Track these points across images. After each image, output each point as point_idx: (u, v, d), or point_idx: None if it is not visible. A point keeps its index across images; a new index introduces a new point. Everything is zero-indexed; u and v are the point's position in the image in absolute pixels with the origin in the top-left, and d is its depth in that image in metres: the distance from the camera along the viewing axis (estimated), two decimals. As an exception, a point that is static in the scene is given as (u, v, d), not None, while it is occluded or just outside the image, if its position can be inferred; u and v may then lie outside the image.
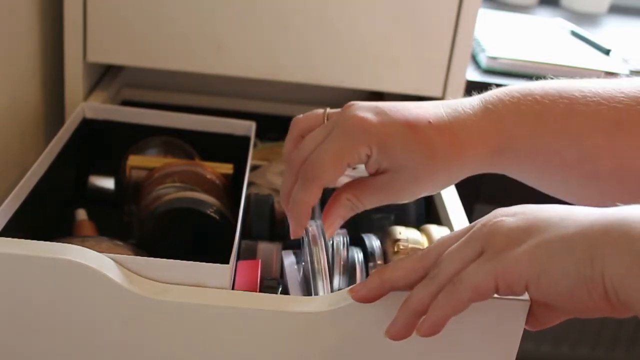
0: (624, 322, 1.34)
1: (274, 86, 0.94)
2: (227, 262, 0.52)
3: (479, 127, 0.52)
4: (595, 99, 0.51)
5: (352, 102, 0.53)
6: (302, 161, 0.52)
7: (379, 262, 0.62)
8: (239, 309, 0.49)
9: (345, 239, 0.62)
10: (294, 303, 0.50)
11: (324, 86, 0.89)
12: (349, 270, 0.61)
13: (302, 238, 0.56)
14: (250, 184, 0.76)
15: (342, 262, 0.61)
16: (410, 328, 0.44)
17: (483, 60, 1.07)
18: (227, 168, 0.76)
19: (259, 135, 0.87)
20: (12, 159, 0.77)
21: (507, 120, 0.52)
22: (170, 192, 0.68)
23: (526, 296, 0.46)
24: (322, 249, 0.54)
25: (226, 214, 0.66)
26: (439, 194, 0.73)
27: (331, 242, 0.62)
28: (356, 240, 0.65)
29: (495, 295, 0.42)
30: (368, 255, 0.63)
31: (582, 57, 1.11)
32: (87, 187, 0.80)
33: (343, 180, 0.54)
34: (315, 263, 0.54)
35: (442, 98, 0.90)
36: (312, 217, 0.54)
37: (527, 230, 0.41)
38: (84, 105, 0.79)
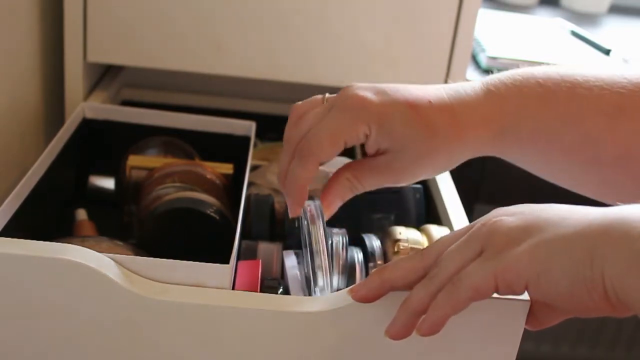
0: (624, 322, 1.34)
1: (274, 86, 0.94)
2: (227, 262, 0.52)
3: (480, 108, 0.51)
4: (598, 84, 0.50)
5: (352, 83, 0.53)
6: (299, 139, 0.52)
7: (379, 262, 0.62)
8: (239, 309, 0.49)
9: (344, 239, 0.62)
10: (294, 303, 0.50)
11: (324, 86, 0.88)
12: (349, 270, 0.61)
13: (301, 220, 0.55)
14: (250, 184, 0.76)
15: (341, 262, 0.61)
16: (410, 328, 0.44)
17: (483, 60, 1.07)
18: (227, 168, 0.76)
19: (259, 135, 0.87)
20: (12, 159, 0.77)
21: (509, 102, 0.51)
22: (170, 192, 0.68)
23: (526, 296, 0.46)
24: (320, 228, 0.53)
25: (226, 214, 0.66)
26: (439, 194, 0.73)
27: (331, 242, 0.62)
28: (356, 240, 0.65)
29: (495, 295, 0.42)
30: (368, 255, 0.63)
31: (582, 57, 1.11)
32: (87, 187, 0.80)
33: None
34: (314, 243, 0.53)
35: (442, 98, 0.89)
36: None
37: (527, 230, 0.41)
38: (84, 105, 0.79)
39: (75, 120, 0.76)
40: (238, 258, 0.61)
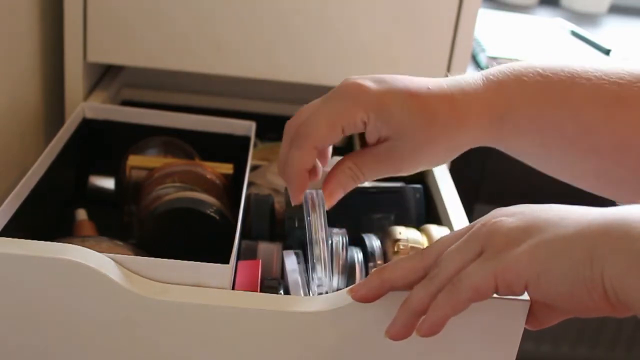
0: (624, 322, 1.34)
1: (274, 86, 0.94)
2: (227, 262, 0.52)
3: (480, 95, 0.51)
4: (597, 74, 0.50)
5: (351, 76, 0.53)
6: (297, 127, 0.52)
7: (379, 262, 0.62)
8: (239, 309, 0.49)
9: (344, 239, 0.62)
10: (294, 303, 0.50)
11: (324, 86, 0.88)
12: (349, 270, 0.61)
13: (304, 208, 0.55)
14: (250, 184, 0.76)
15: (341, 262, 0.61)
16: (410, 328, 0.44)
17: (483, 60, 1.07)
18: (227, 168, 0.76)
19: (259, 135, 0.87)
20: (12, 159, 0.77)
21: (508, 90, 0.51)
22: (170, 192, 0.68)
23: (526, 296, 0.46)
24: (320, 217, 0.53)
25: (226, 214, 0.66)
26: (439, 194, 0.73)
27: (330, 241, 0.62)
28: (356, 240, 0.65)
29: (495, 295, 0.42)
30: (368, 255, 0.63)
31: (582, 57, 1.11)
32: (87, 187, 0.80)
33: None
34: (313, 232, 0.53)
35: (442, 98, 0.89)
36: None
37: (527, 230, 0.41)
38: (84, 105, 0.79)
39: (75, 120, 0.76)
40: (238, 258, 0.61)
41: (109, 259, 0.50)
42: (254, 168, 0.84)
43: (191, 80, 0.99)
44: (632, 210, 0.39)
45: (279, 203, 0.71)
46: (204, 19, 0.84)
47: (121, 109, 0.82)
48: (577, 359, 1.38)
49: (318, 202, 0.54)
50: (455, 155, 0.53)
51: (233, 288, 0.55)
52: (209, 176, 0.72)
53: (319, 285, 0.54)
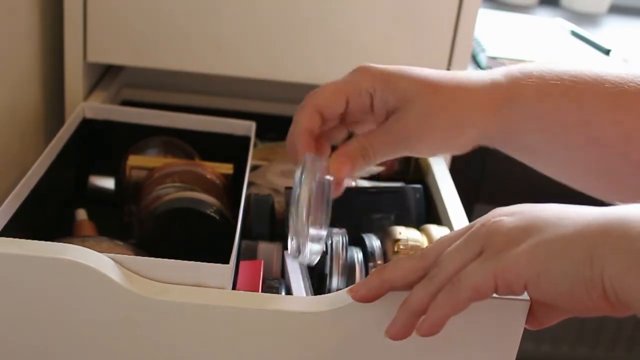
0: (624, 322, 1.34)
1: (274, 86, 0.94)
2: (227, 262, 0.52)
3: (485, 77, 0.53)
4: (600, 70, 0.51)
5: None
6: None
7: (379, 262, 0.62)
8: (239, 309, 0.49)
9: (344, 239, 0.62)
10: (294, 303, 0.50)
11: (324, 86, 0.89)
12: (349, 270, 0.61)
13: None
14: (250, 184, 0.76)
15: (341, 262, 0.61)
16: (410, 328, 0.44)
17: (483, 60, 1.07)
18: (227, 168, 0.76)
19: (259, 135, 0.87)
20: (12, 159, 0.77)
21: (514, 79, 0.53)
22: (170, 192, 0.68)
23: (526, 296, 0.46)
24: (314, 180, 0.51)
25: (226, 214, 0.66)
26: (439, 194, 0.73)
27: (330, 242, 0.62)
28: (356, 240, 0.65)
29: (495, 295, 0.42)
30: (368, 255, 0.63)
31: (582, 57, 1.11)
32: (87, 187, 0.80)
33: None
34: (299, 196, 0.51)
35: (442, 98, 0.89)
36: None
37: (526, 230, 0.41)
38: (84, 105, 0.79)
39: (75, 120, 0.76)
40: (238, 258, 0.61)
41: (109, 259, 0.50)
42: (254, 168, 0.84)
43: (191, 80, 0.99)
44: (631, 210, 0.39)
45: (279, 203, 0.71)
46: (204, 19, 0.84)
47: (121, 109, 0.82)
48: (577, 359, 1.38)
49: (316, 168, 0.52)
50: (459, 136, 0.53)
51: (234, 288, 0.55)
52: (209, 176, 0.72)
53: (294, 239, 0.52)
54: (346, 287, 0.54)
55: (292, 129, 0.53)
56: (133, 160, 0.75)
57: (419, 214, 0.72)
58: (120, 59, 0.87)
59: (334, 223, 0.67)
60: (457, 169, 0.79)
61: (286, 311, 0.49)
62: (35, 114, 0.84)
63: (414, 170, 0.83)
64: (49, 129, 0.88)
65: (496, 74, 0.53)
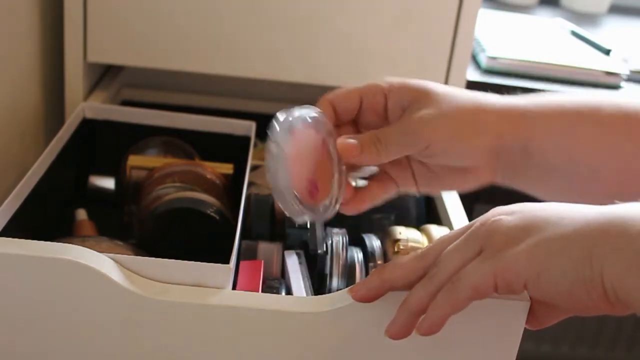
0: (624, 321, 1.34)
1: (274, 86, 0.94)
2: (227, 262, 0.52)
3: (499, 97, 0.53)
4: (619, 99, 0.52)
5: None
6: None
7: (379, 262, 0.62)
8: (239, 309, 0.49)
9: (344, 239, 0.62)
10: (294, 303, 0.50)
11: (324, 86, 0.89)
12: (349, 270, 0.61)
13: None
14: (250, 184, 0.76)
15: (341, 262, 0.61)
16: (409, 327, 0.44)
17: (483, 60, 1.07)
18: (227, 168, 0.76)
19: (259, 135, 0.87)
20: (12, 159, 0.77)
21: (531, 97, 0.53)
22: (170, 192, 0.68)
23: (526, 296, 0.46)
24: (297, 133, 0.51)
25: (226, 214, 0.66)
26: (439, 194, 0.73)
27: (330, 242, 0.62)
28: (356, 240, 0.66)
29: (495, 295, 0.42)
30: (368, 255, 0.63)
31: (582, 57, 1.11)
32: (87, 187, 0.80)
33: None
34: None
35: (442, 98, 0.90)
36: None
37: (526, 229, 0.41)
38: (84, 105, 0.79)
39: (75, 120, 0.76)
40: (238, 258, 0.61)
41: (109, 259, 0.50)
42: (254, 168, 0.84)
43: (191, 80, 0.99)
44: (630, 209, 0.39)
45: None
46: (204, 19, 0.84)
47: (121, 109, 0.82)
48: (577, 359, 1.38)
49: (315, 122, 0.52)
50: (474, 136, 0.52)
51: (234, 288, 0.55)
52: (209, 176, 0.72)
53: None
54: (346, 287, 0.54)
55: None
56: (133, 160, 0.75)
57: (419, 214, 0.72)
58: (120, 59, 0.87)
59: (334, 223, 0.67)
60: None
61: (286, 311, 0.49)
62: (35, 114, 0.84)
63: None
64: (49, 129, 0.88)
65: (511, 97, 0.54)
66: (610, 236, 0.38)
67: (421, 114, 0.51)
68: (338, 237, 0.63)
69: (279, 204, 0.51)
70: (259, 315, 0.49)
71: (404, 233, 0.64)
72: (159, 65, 0.87)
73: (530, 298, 0.47)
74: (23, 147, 0.80)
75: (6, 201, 0.58)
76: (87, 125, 0.79)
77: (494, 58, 1.06)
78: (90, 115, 0.79)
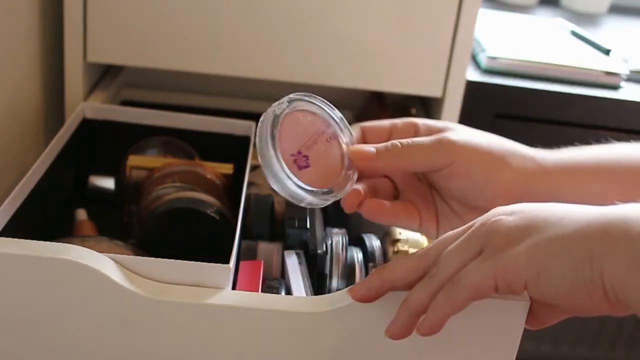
0: (624, 322, 1.34)
1: (274, 86, 0.94)
2: (227, 262, 0.52)
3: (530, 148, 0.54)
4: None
5: None
6: None
7: (378, 262, 0.62)
8: (239, 309, 0.49)
9: (344, 239, 0.62)
10: (294, 303, 0.50)
11: (324, 86, 0.89)
12: (349, 270, 0.61)
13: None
14: (250, 184, 0.76)
15: (341, 262, 0.61)
16: (410, 327, 0.44)
17: (483, 60, 1.07)
18: (227, 168, 0.76)
19: (259, 135, 0.87)
20: (12, 159, 0.77)
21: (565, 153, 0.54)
22: (170, 192, 0.68)
23: (526, 296, 0.46)
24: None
25: (226, 214, 0.66)
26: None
27: (330, 242, 0.62)
28: (356, 240, 0.66)
29: (495, 295, 0.42)
30: (368, 255, 0.63)
31: (582, 57, 1.11)
32: (87, 187, 0.80)
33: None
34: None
35: (442, 98, 0.90)
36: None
37: (526, 229, 0.41)
38: (84, 105, 0.79)
39: (75, 120, 0.76)
40: (238, 258, 0.61)
41: (109, 259, 0.50)
42: (254, 168, 0.84)
43: (191, 80, 0.99)
44: (631, 209, 0.39)
45: (278, 203, 0.71)
46: (204, 19, 0.84)
47: (121, 109, 0.82)
48: (577, 359, 1.38)
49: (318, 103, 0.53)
50: (501, 166, 0.51)
51: (234, 288, 0.55)
52: (209, 176, 0.72)
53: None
54: (346, 287, 0.54)
55: None
56: (133, 160, 0.75)
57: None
58: (120, 59, 0.87)
59: (334, 223, 0.67)
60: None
61: (286, 311, 0.49)
62: (35, 114, 0.84)
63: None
64: (49, 129, 0.88)
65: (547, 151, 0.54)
66: (610, 237, 0.38)
67: (451, 134, 0.52)
68: (338, 237, 0.63)
69: (264, 170, 0.52)
70: (258, 315, 0.49)
71: (403, 233, 0.64)
72: (159, 65, 0.87)
73: (530, 298, 0.47)
74: (23, 147, 0.80)
75: (6, 201, 0.58)
76: (87, 125, 0.79)
77: (494, 58, 1.06)
78: (90, 115, 0.79)
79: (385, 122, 0.55)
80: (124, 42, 0.85)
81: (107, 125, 0.79)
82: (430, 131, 0.53)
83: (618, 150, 0.53)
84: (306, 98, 0.53)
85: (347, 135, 0.53)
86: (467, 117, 0.93)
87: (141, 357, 0.51)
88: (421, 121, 0.55)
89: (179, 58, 0.86)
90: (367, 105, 1.03)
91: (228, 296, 0.50)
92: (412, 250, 0.63)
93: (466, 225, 0.45)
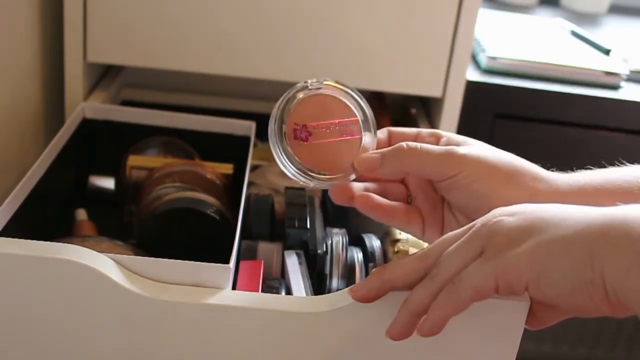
0: (624, 322, 1.34)
1: (274, 86, 0.94)
2: (227, 262, 0.52)
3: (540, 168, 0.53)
4: None
5: None
6: None
7: (379, 262, 0.62)
8: (239, 309, 0.49)
9: (344, 239, 0.62)
10: (294, 303, 0.50)
11: (324, 86, 0.88)
12: (349, 270, 0.61)
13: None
14: (250, 184, 0.76)
15: (341, 262, 0.61)
16: (410, 328, 0.44)
17: (483, 60, 1.07)
18: (227, 168, 0.76)
19: (259, 135, 0.87)
20: (12, 159, 0.77)
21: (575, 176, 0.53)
22: (170, 192, 0.68)
23: (526, 296, 0.46)
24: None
25: (226, 214, 0.66)
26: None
27: (330, 242, 0.62)
28: (356, 240, 0.66)
29: (495, 295, 0.42)
30: (368, 255, 0.63)
31: (582, 57, 1.11)
32: (87, 187, 0.80)
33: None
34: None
35: (442, 98, 0.90)
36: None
37: (527, 230, 0.41)
38: (84, 105, 0.79)
39: (75, 120, 0.76)
40: (238, 258, 0.61)
41: (109, 259, 0.50)
42: (254, 168, 0.84)
43: (191, 80, 0.99)
44: (632, 211, 0.39)
45: (278, 203, 0.71)
46: (204, 19, 0.84)
47: (121, 109, 0.82)
48: (577, 359, 1.38)
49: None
50: (513, 179, 0.51)
51: (234, 288, 0.55)
52: (209, 176, 0.72)
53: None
54: (346, 287, 0.54)
55: None
56: (133, 160, 0.75)
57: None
58: (120, 59, 0.87)
59: (334, 223, 0.67)
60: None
61: (286, 311, 0.49)
62: (35, 114, 0.84)
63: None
64: (49, 129, 0.88)
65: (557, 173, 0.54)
66: (611, 238, 0.38)
67: (463, 147, 0.52)
68: (338, 237, 0.63)
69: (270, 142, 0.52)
70: (258, 315, 0.49)
71: (404, 233, 0.64)
72: (159, 65, 0.87)
73: (531, 298, 0.47)
74: (23, 147, 0.80)
75: (6, 201, 0.58)
76: (87, 125, 0.79)
77: (494, 58, 1.06)
78: (90, 115, 0.79)
79: (412, 130, 0.56)
80: (124, 42, 0.85)
81: (107, 125, 0.79)
82: (449, 143, 0.53)
83: (629, 172, 0.52)
84: (345, 88, 0.55)
85: (370, 137, 0.54)
86: (467, 117, 0.93)
87: (141, 357, 0.51)
88: (445, 134, 0.55)
89: (179, 58, 0.86)
90: (367, 105, 1.03)
91: (228, 296, 0.50)
92: (412, 250, 0.63)
93: (467, 226, 0.45)
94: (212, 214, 0.64)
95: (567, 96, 1.03)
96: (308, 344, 0.50)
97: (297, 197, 0.66)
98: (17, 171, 0.76)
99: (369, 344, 0.50)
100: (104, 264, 0.50)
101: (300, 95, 0.53)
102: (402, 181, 0.56)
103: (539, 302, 0.45)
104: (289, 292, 0.58)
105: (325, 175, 0.52)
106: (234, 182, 0.75)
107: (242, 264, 0.59)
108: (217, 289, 0.51)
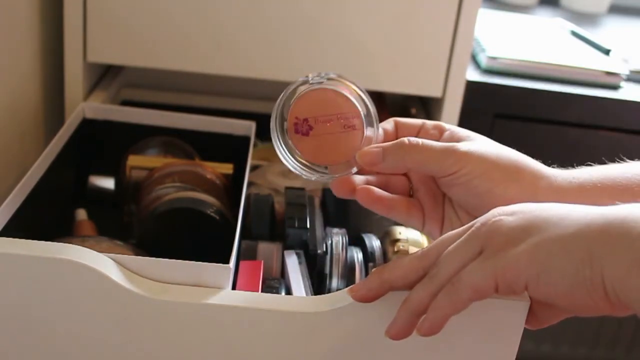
0: (624, 322, 1.34)
1: (274, 86, 0.94)
2: (227, 262, 0.52)
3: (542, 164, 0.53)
4: None
5: None
6: None
7: (379, 262, 0.62)
8: (239, 309, 0.49)
9: (344, 239, 0.62)
10: (294, 303, 0.50)
11: (324, 86, 0.88)
12: (349, 270, 0.61)
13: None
14: (250, 184, 0.76)
15: (341, 262, 0.61)
16: (410, 328, 0.44)
17: (483, 60, 1.07)
18: (227, 168, 0.76)
19: (259, 135, 0.87)
20: (12, 159, 0.77)
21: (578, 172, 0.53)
22: (170, 192, 0.68)
23: (526, 296, 0.46)
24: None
25: (226, 214, 0.66)
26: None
27: (330, 242, 0.62)
28: (356, 240, 0.66)
29: (495, 295, 0.42)
30: (368, 255, 0.63)
31: (582, 57, 1.11)
32: (87, 187, 0.80)
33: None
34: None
35: (442, 98, 0.90)
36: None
37: (527, 230, 0.41)
38: (84, 105, 0.79)
39: (75, 120, 0.76)
40: (238, 258, 0.61)
41: (109, 259, 0.50)
42: (254, 168, 0.84)
43: (191, 80, 0.99)
44: (631, 210, 0.39)
45: (279, 203, 0.71)
46: (204, 19, 0.84)
47: (121, 109, 0.82)
48: (577, 359, 1.38)
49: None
50: (515, 176, 0.51)
51: (234, 288, 0.55)
52: (209, 176, 0.72)
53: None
54: (346, 287, 0.54)
55: None
56: (133, 160, 0.75)
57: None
58: (120, 59, 0.87)
59: (334, 223, 0.67)
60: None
61: (286, 311, 0.49)
62: (35, 114, 0.84)
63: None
64: (49, 129, 0.88)
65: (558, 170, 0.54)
66: (610, 237, 0.38)
67: (464, 143, 0.51)
68: (338, 237, 0.63)
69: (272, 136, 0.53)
70: (258, 315, 0.49)
71: (403, 233, 0.64)
72: (159, 65, 0.87)
73: (531, 298, 0.47)
74: (23, 147, 0.80)
75: (6, 201, 0.58)
76: (87, 125, 0.79)
77: (494, 58, 1.06)
78: (90, 115, 0.79)
79: (417, 121, 0.56)
80: (124, 42, 0.85)
81: (107, 125, 0.79)
82: (452, 138, 0.53)
83: (628, 169, 0.52)
84: (347, 82, 0.55)
85: (372, 131, 0.53)
86: (467, 117, 0.93)
87: (141, 356, 0.51)
88: (449, 127, 0.55)
89: (179, 58, 0.86)
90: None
91: (228, 296, 0.50)
92: (412, 250, 0.63)
93: (466, 226, 0.45)
94: (212, 214, 0.64)
95: (567, 96, 1.03)
96: (308, 344, 0.50)
97: (297, 197, 0.67)
98: (17, 171, 0.76)
99: (369, 344, 0.50)
100: (104, 264, 0.50)
101: (302, 89, 0.53)
102: (405, 173, 0.56)
103: (539, 301, 0.45)
104: (289, 292, 0.58)
105: (326, 168, 0.52)
106: (234, 182, 0.75)
107: (242, 264, 0.59)
108: (217, 289, 0.51)
